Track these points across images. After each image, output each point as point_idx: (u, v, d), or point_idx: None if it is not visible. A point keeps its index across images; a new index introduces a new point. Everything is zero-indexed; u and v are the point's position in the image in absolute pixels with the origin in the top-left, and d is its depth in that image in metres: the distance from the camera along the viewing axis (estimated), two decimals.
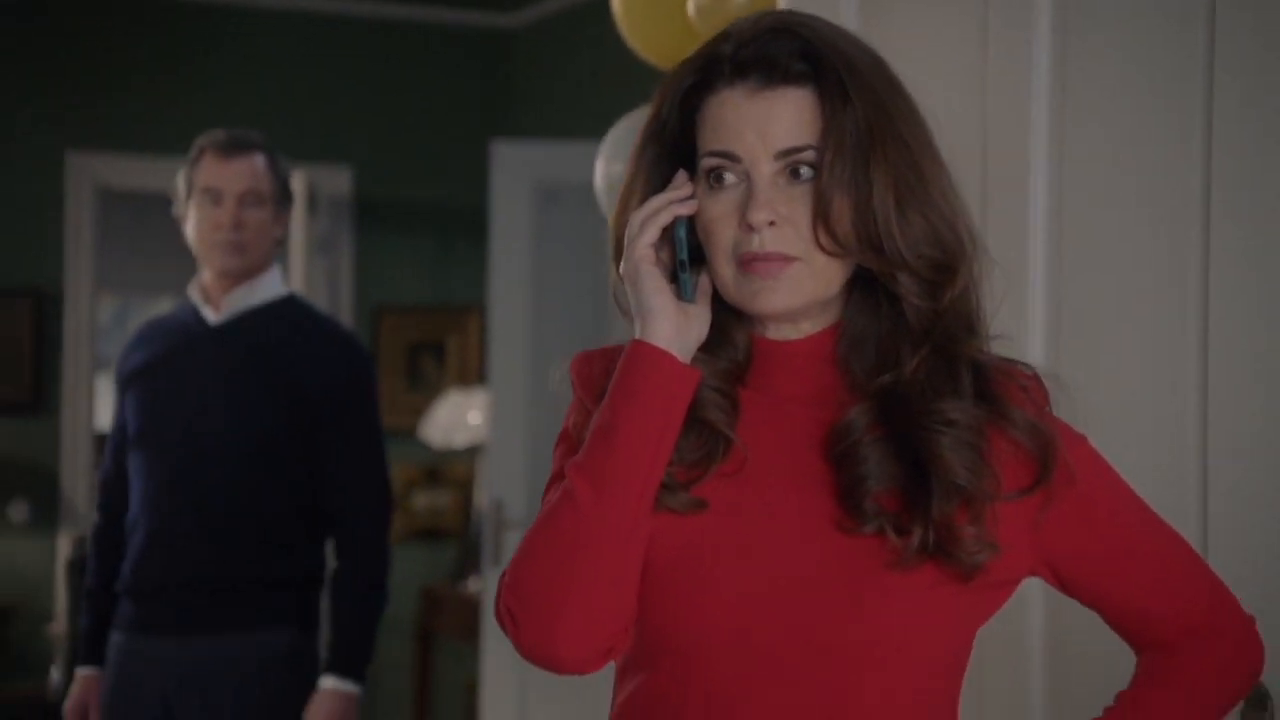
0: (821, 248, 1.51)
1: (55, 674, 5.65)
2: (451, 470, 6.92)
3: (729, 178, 1.53)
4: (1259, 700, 1.91)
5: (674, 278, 1.55)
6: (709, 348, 1.57)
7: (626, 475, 1.50)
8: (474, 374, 6.92)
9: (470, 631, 5.93)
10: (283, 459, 3.28)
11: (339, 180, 6.79)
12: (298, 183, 6.22)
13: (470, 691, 6.16)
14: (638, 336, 1.53)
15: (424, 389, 6.93)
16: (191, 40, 6.61)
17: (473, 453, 6.67)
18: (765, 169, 1.51)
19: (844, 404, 1.55)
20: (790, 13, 1.58)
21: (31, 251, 6.44)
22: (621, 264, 1.56)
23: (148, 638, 3.27)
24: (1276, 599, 1.92)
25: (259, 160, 3.34)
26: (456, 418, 6.50)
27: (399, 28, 6.91)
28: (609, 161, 3.28)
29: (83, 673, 3.39)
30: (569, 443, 1.61)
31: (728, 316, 1.58)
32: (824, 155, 1.50)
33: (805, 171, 1.51)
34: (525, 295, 5.36)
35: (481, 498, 6.16)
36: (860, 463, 1.51)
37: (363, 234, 6.87)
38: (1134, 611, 1.63)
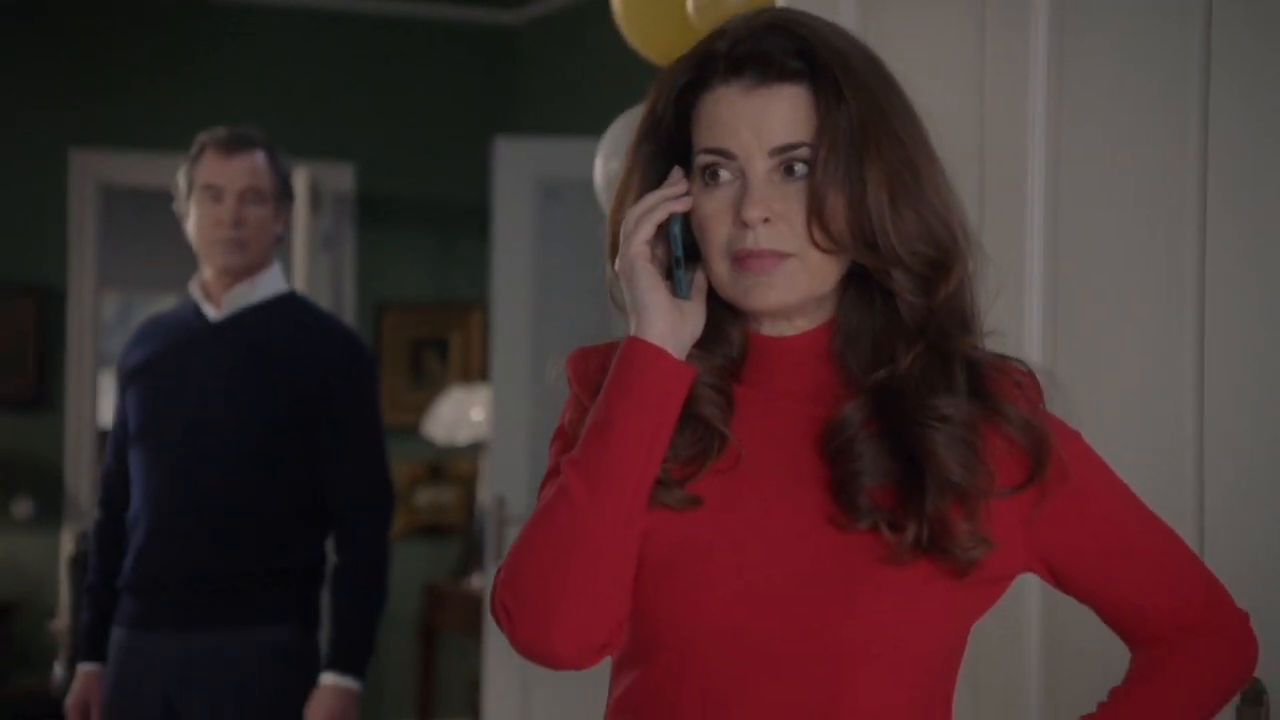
0: (816, 244, 1.51)
1: (58, 670, 5.66)
2: (454, 467, 6.93)
3: (724, 174, 1.53)
4: (1255, 696, 1.91)
5: (669, 274, 1.56)
6: (704, 344, 1.57)
7: (621, 471, 1.51)
8: (477, 370, 6.92)
9: (473, 627, 5.94)
10: (283, 456, 3.28)
11: (342, 177, 6.80)
12: (301, 179, 6.23)
13: (473, 687, 6.17)
14: (633, 333, 1.53)
15: (427, 385, 6.94)
16: (195, 37, 6.62)
17: (475, 449, 6.67)
18: (760, 166, 1.51)
19: (839, 400, 1.55)
20: (785, 10, 1.58)
21: (35, 248, 6.45)
22: (617, 261, 1.57)
23: (148, 634, 3.28)
24: (1273, 596, 1.93)
25: (260, 157, 3.35)
26: (459, 414, 6.51)
27: (401, 24, 6.91)
28: (608, 159, 3.28)
29: (84, 669, 3.39)
30: (565, 439, 1.61)
31: (723, 313, 1.58)
32: (818, 152, 1.50)
33: (800, 168, 1.51)
34: (528, 291, 5.36)
35: (484, 494, 6.16)
36: (855, 459, 1.52)
37: (366, 230, 6.87)
38: (1128, 608, 1.63)
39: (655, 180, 1.58)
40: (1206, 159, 2.05)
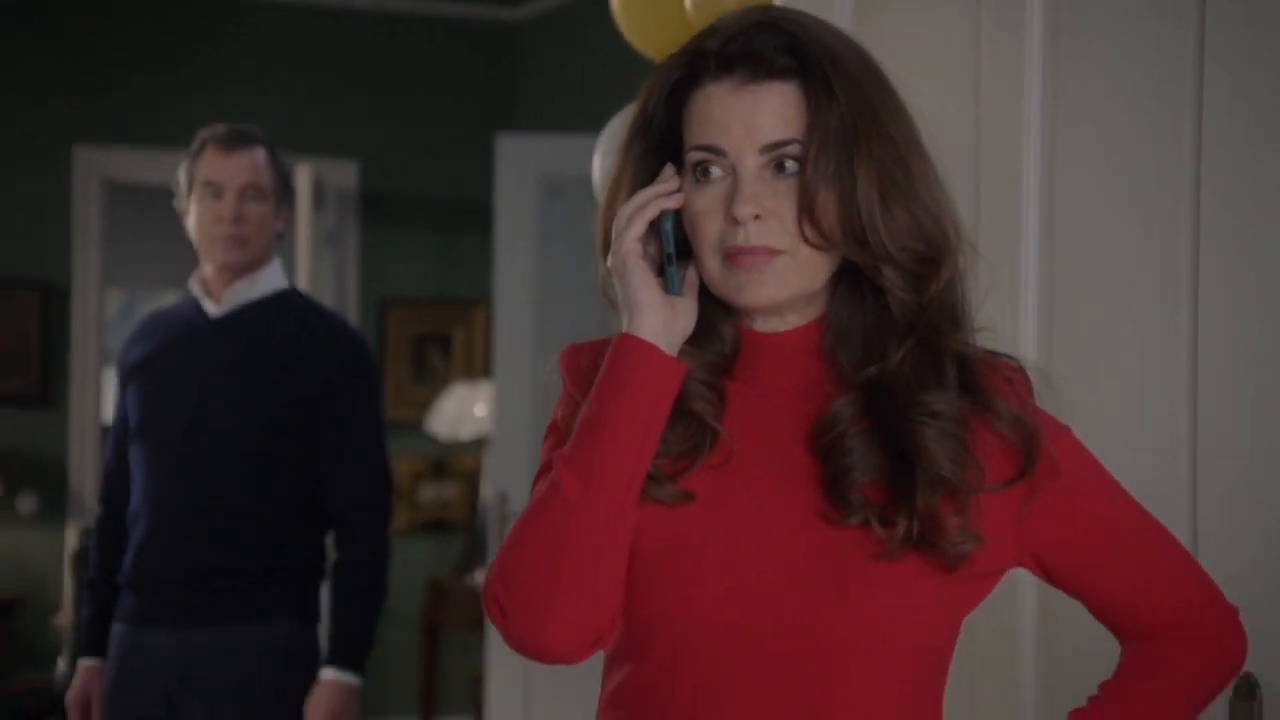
0: (807, 241, 1.52)
1: (62, 665, 5.67)
2: (458, 463, 6.94)
3: (715, 171, 1.54)
4: (1248, 690, 1.92)
5: (661, 271, 1.57)
6: (696, 340, 1.57)
7: (613, 467, 1.51)
8: (480, 367, 6.94)
9: (476, 623, 5.95)
10: (283, 452, 3.29)
11: (345, 174, 6.81)
12: (304, 177, 6.24)
13: (476, 683, 6.18)
14: (625, 330, 1.54)
15: (430, 382, 6.95)
16: (198, 35, 6.63)
17: (478, 445, 6.69)
18: (750, 163, 1.52)
19: (830, 396, 1.56)
20: (776, 8, 1.59)
21: (39, 245, 6.46)
22: (609, 258, 1.58)
23: (149, 629, 3.28)
24: (1268, 593, 1.94)
25: (260, 154, 3.35)
26: (462, 410, 6.52)
27: (404, 22, 6.92)
28: (606, 155, 3.28)
29: (84, 664, 3.40)
30: (558, 434, 1.62)
31: (715, 309, 1.58)
32: (809, 149, 1.50)
33: (790, 165, 1.52)
34: (530, 288, 5.37)
35: (487, 490, 6.17)
36: (845, 454, 1.52)
37: (369, 227, 6.89)
38: (1118, 602, 1.64)
39: (647, 177, 1.59)
40: (1201, 158, 2.06)
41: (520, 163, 5.35)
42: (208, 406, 3.29)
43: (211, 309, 3.37)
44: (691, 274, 1.57)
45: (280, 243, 3.44)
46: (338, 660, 3.26)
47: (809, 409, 1.56)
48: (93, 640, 3.39)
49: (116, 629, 3.34)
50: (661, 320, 1.54)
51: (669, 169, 1.57)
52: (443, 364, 7.01)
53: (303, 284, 6.17)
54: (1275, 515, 1.97)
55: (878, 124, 1.52)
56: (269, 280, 3.39)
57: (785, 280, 1.53)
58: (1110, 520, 1.63)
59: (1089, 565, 1.62)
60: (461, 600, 6.32)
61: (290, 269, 5.34)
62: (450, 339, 7.02)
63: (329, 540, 3.40)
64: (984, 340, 1.60)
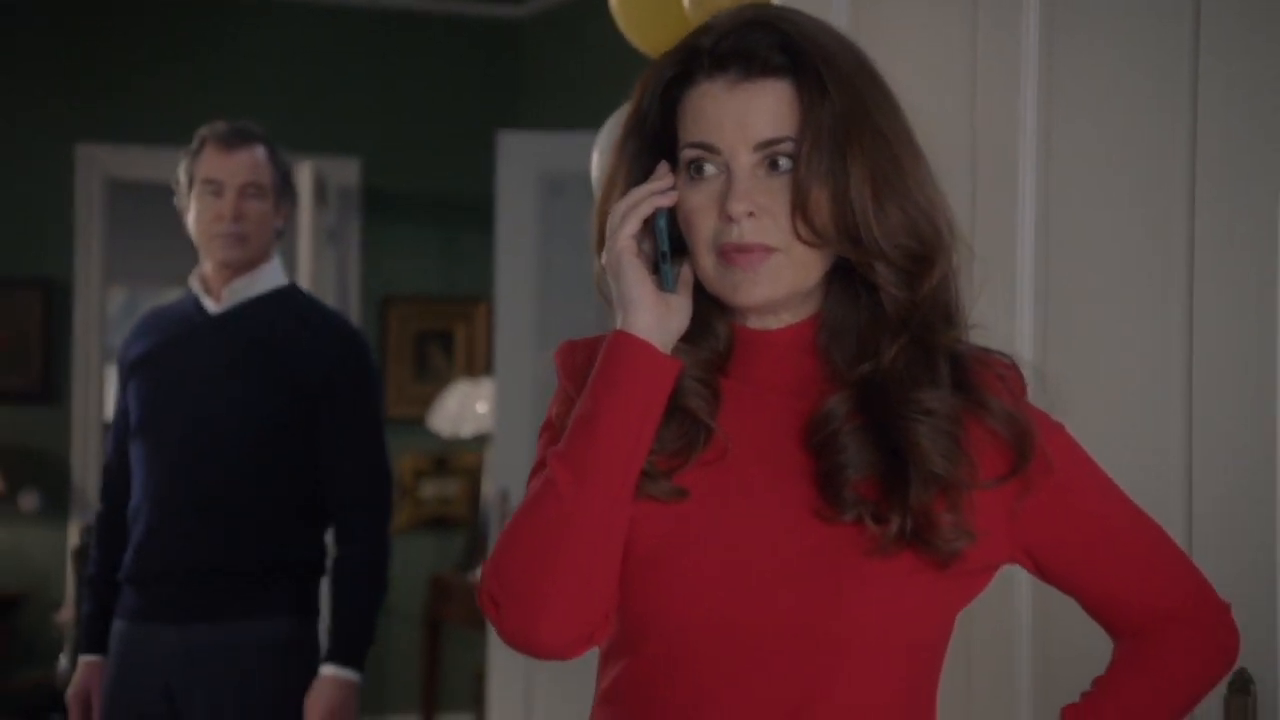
0: (800, 238, 1.52)
1: (64, 662, 5.67)
2: (459, 459, 6.95)
3: (709, 169, 1.54)
4: (1242, 684, 1.93)
5: (655, 269, 1.57)
6: (690, 338, 1.58)
7: (608, 464, 1.52)
8: (481, 363, 6.94)
9: (478, 620, 5.95)
10: (283, 448, 3.29)
11: (347, 171, 6.82)
12: (306, 174, 6.25)
13: (478, 679, 6.19)
14: (619, 327, 1.55)
15: (432, 379, 6.96)
16: (200, 32, 6.64)
17: (480, 442, 6.69)
18: (744, 160, 1.52)
19: (824, 394, 1.56)
20: (769, 6, 1.59)
21: (41, 243, 6.47)
22: (604, 255, 1.58)
23: (149, 625, 3.29)
24: (1262, 590, 1.94)
25: (260, 152, 3.36)
26: (464, 407, 6.53)
27: (405, 19, 6.93)
28: (603, 154, 3.29)
29: (85, 660, 3.40)
30: (552, 431, 1.62)
31: (709, 306, 1.59)
32: (802, 147, 1.51)
33: (784, 163, 1.52)
34: (531, 285, 5.37)
35: (489, 487, 6.18)
36: (839, 451, 1.53)
37: (370, 224, 6.89)
38: (1111, 599, 1.64)
39: (641, 175, 1.59)
40: (1196, 155, 2.06)
41: (521, 160, 5.36)
42: (208, 404, 3.30)
43: (211, 306, 3.38)
44: (686, 271, 1.58)
45: (280, 240, 3.44)
46: (337, 657, 3.27)
47: (803, 406, 1.57)
48: (93, 636, 3.40)
49: (117, 625, 3.34)
50: (656, 317, 1.54)
51: (663, 166, 1.58)
52: (444, 361, 7.02)
53: (304, 281, 6.18)
54: (1270, 513, 1.97)
55: (870, 122, 1.52)
56: (269, 277, 3.40)
57: (780, 278, 1.54)
58: (1103, 517, 1.63)
59: (1082, 562, 1.62)
60: (463, 597, 6.33)
61: (292, 266, 5.34)
62: (452, 336, 7.03)
63: (329, 537, 3.40)
64: (977, 337, 1.61)
